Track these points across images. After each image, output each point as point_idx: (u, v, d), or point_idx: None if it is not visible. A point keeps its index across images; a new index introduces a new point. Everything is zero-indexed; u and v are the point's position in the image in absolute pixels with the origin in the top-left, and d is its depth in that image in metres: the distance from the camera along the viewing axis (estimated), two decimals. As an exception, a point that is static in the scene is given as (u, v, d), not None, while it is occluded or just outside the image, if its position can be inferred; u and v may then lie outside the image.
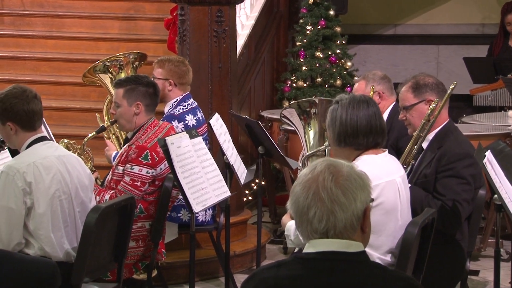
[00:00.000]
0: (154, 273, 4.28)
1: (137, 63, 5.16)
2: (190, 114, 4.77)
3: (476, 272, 5.18)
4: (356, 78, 4.74)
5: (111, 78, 5.03)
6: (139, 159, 4.05)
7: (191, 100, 4.86)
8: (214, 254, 4.93)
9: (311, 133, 4.06)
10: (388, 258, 3.18)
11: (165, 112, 4.84)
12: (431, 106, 3.70)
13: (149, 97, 4.18)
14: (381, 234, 3.14)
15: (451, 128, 3.76)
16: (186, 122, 4.73)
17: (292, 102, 4.36)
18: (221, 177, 4.00)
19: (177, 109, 4.78)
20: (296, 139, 5.40)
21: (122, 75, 4.99)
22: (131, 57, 5.12)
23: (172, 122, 4.68)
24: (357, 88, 4.74)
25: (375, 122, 3.17)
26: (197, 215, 4.49)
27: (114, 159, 4.66)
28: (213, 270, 5.20)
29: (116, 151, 4.64)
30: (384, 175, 3.15)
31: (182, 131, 4.61)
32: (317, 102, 4.02)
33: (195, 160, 3.85)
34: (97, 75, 5.06)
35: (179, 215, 4.68)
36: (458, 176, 3.61)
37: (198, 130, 4.53)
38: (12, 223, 3.40)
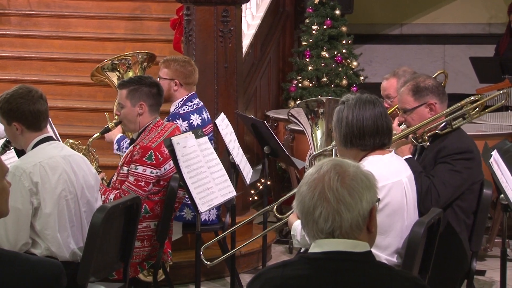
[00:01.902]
0: (162, 276, 4.28)
1: (145, 63, 5.17)
2: (195, 114, 4.77)
3: (482, 272, 5.17)
4: (385, 76, 4.49)
5: (118, 76, 5.04)
6: (143, 159, 4.06)
7: (197, 100, 4.86)
8: (220, 254, 4.93)
9: (319, 133, 4.05)
10: (394, 259, 3.18)
11: (170, 112, 4.85)
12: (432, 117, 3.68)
13: (153, 97, 4.18)
14: (388, 235, 3.14)
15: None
16: (191, 121, 4.73)
17: (300, 101, 4.35)
18: (227, 177, 4.00)
19: (182, 108, 4.79)
20: (302, 139, 5.40)
21: (130, 74, 5.00)
22: (139, 56, 5.13)
23: (177, 120, 4.68)
24: (387, 86, 4.49)
25: (381, 122, 3.16)
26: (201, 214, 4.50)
27: (117, 142, 4.69)
28: (219, 270, 5.20)
29: (121, 134, 4.65)
30: (391, 175, 3.15)
31: (186, 130, 4.63)
32: (324, 101, 4.02)
33: (201, 160, 3.85)
34: (105, 73, 5.07)
35: (182, 213, 4.68)
36: (451, 163, 3.62)
37: (203, 130, 4.53)
38: (19, 223, 3.41)
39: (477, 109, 3.73)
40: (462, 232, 3.69)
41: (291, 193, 3.63)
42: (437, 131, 3.69)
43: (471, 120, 3.75)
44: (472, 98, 3.74)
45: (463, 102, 3.72)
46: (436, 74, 4.75)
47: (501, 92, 3.82)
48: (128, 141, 4.57)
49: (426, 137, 3.68)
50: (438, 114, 3.67)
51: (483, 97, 3.76)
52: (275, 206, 3.91)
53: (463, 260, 3.68)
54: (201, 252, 3.77)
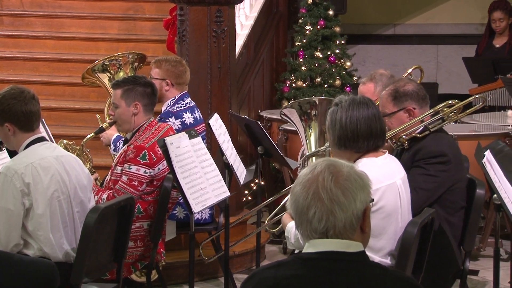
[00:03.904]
0: (155, 276, 4.27)
1: (136, 64, 5.16)
2: (187, 112, 4.78)
3: (475, 272, 5.18)
4: (361, 79, 4.51)
5: (109, 77, 5.03)
6: (137, 159, 4.05)
7: (189, 99, 4.86)
8: (213, 253, 4.93)
9: (312, 136, 4.05)
10: (388, 260, 3.18)
11: (162, 111, 4.84)
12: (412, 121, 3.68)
13: (147, 97, 4.18)
14: (382, 237, 3.14)
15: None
16: (183, 119, 4.73)
17: (293, 101, 4.34)
18: (220, 177, 4.00)
19: (174, 107, 4.79)
20: (296, 139, 5.40)
21: (121, 75, 5.00)
22: (130, 57, 5.12)
23: (169, 118, 4.69)
24: (364, 90, 4.45)
25: (375, 125, 3.16)
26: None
27: (113, 143, 4.68)
28: (212, 270, 5.19)
29: (117, 134, 4.65)
30: (385, 178, 3.14)
31: (179, 128, 4.64)
32: (317, 102, 4.01)
33: (194, 161, 3.85)
34: (95, 74, 5.06)
35: (174, 212, 4.68)
36: (423, 167, 3.62)
37: (196, 129, 4.53)
38: (11, 224, 3.40)
39: (455, 111, 3.74)
40: (450, 231, 3.68)
41: (284, 193, 3.63)
42: (416, 134, 3.70)
43: (450, 123, 3.77)
44: (450, 102, 3.76)
45: (439, 106, 3.74)
46: (411, 69, 4.78)
47: (476, 96, 3.84)
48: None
49: (404, 140, 3.69)
50: (415, 119, 3.68)
51: (460, 101, 3.78)
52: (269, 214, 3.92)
53: (451, 258, 3.68)
54: (200, 249, 3.76)
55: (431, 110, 3.72)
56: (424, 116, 3.69)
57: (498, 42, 7.39)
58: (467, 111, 3.89)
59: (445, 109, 3.75)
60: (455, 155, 3.70)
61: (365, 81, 4.53)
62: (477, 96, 3.87)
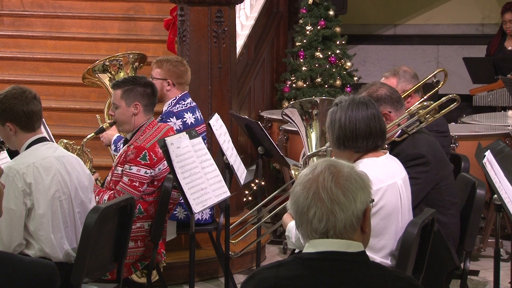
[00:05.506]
0: (156, 277, 4.28)
1: (137, 64, 5.16)
2: (189, 112, 4.78)
3: (476, 272, 5.18)
4: (385, 74, 4.45)
5: (110, 77, 5.03)
6: (138, 159, 4.06)
7: (190, 99, 4.87)
8: (214, 254, 4.93)
9: (313, 135, 4.06)
10: (388, 261, 3.18)
11: (163, 111, 4.85)
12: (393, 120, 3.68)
13: (147, 97, 4.18)
14: (382, 237, 3.14)
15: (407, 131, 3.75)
16: (185, 119, 4.74)
17: (294, 101, 4.34)
18: (220, 177, 4.00)
19: (176, 107, 4.80)
20: (296, 139, 5.41)
21: (121, 75, 5.00)
22: (130, 57, 5.12)
23: (171, 118, 4.69)
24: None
25: (374, 124, 3.16)
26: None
27: (114, 143, 4.69)
28: (212, 271, 5.20)
29: (118, 135, 4.65)
30: (386, 178, 3.15)
31: (180, 128, 4.64)
32: (318, 102, 4.02)
33: (194, 161, 3.85)
34: (96, 75, 5.06)
35: (174, 212, 4.68)
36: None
37: (196, 129, 4.53)
38: (13, 224, 3.40)
39: (431, 112, 3.74)
40: (444, 229, 3.68)
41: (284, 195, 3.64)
42: (394, 138, 3.69)
43: (427, 124, 3.75)
44: (425, 103, 3.76)
45: (413, 108, 3.73)
46: (436, 71, 4.75)
47: (450, 96, 3.83)
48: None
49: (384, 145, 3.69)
50: (392, 122, 3.67)
51: (433, 102, 3.77)
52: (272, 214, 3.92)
53: (445, 257, 3.67)
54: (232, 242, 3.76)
55: (406, 113, 3.71)
56: (401, 119, 3.69)
57: (510, 44, 7.33)
58: (442, 111, 3.88)
59: (420, 111, 3.75)
60: (434, 154, 3.68)
61: (388, 75, 4.47)
62: (450, 96, 3.85)
